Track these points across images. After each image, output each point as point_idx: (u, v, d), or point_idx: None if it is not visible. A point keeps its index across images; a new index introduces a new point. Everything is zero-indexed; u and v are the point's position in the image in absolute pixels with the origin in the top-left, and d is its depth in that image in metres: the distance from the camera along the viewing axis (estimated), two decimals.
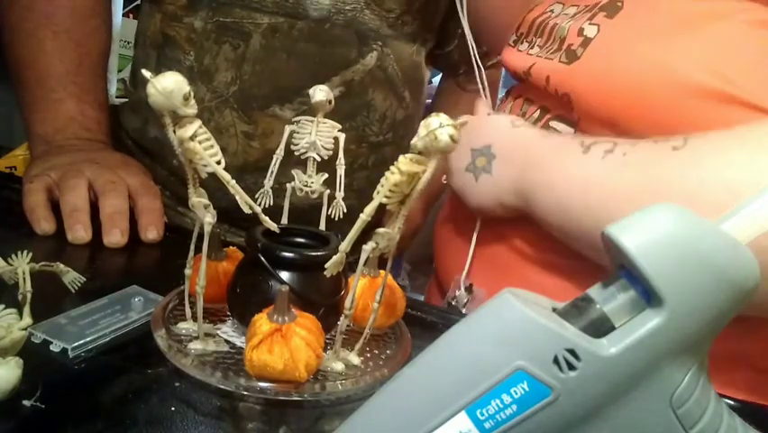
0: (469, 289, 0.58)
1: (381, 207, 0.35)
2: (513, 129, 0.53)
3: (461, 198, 0.57)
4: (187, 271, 0.40)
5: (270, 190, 0.48)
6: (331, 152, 0.47)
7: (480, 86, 0.61)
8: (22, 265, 0.40)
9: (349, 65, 0.72)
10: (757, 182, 0.39)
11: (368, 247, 0.37)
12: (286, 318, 0.36)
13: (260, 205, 0.45)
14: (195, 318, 0.40)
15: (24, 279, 0.39)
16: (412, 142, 0.32)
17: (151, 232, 0.59)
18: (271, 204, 0.47)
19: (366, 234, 0.36)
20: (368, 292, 0.43)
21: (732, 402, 0.43)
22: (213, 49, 0.70)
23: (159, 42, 0.74)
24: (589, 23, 0.51)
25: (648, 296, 0.23)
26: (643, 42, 0.47)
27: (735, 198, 0.38)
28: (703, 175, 0.41)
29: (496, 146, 0.53)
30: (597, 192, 0.46)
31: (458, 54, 0.90)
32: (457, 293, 0.59)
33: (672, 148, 0.43)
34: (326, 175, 0.48)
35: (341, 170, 0.48)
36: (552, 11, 0.59)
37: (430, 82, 0.94)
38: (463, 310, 0.58)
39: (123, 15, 1.57)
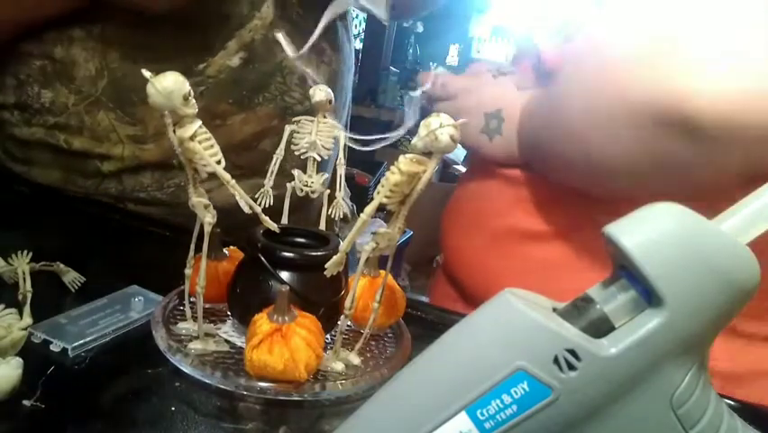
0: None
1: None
2: (519, 92, 0.57)
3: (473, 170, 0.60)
4: (187, 271, 0.40)
5: (270, 190, 0.48)
6: (331, 152, 0.47)
7: None
8: (22, 265, 0.40)
9: (243, 23, 0.58)
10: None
11: (368, 247, 0.37)
12: (286, 318, 0.36)
13: (259, 205, 0.45)
14: (195, 318, 0.40)
15: (24, 279, 0.39)
16: (412, 142, 0.32)
17: None
18: (271, 204, 0.47)
19: None
20: (368, 292, 0.43)
21: (732, 402, 0.43)
22: (61, 37, 0.55)
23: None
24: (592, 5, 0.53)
25: (648, 296, 0.23)
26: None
27: None
28: None
29: (505, 111, 0.57)
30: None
31: None
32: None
33: None
34: (327, 175, 0.48)
35: (341, 170, 0.48)
36: None
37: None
38: None
39: None
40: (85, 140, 0.59)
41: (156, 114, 0.32)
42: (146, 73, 0.31)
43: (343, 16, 0.71)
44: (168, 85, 0.31)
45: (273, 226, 0.40)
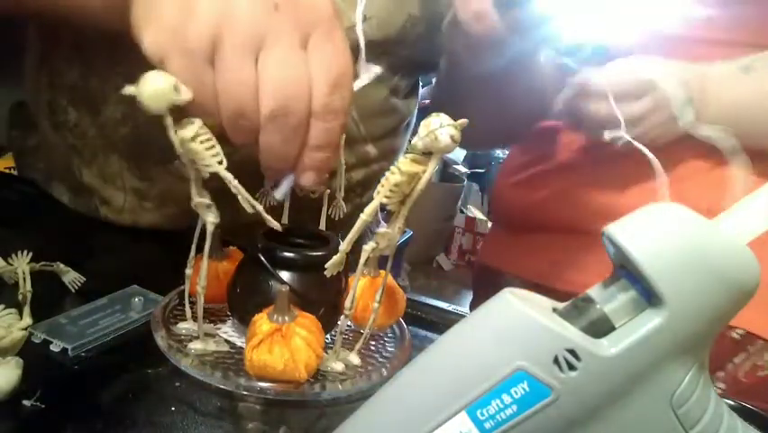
0: None
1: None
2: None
3: None
4: (188, 271, 0.40)
5: (271, 190, 0.48)
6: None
7: None
8: (22, 265, 0.40)
9: None
10: None
11: (368, 247, 0.37)
12: (286, 318, 0.36)
13: (260, 204, 0.45)
14: (195, 318, 0.40)
15: (24, 279, 0.39)
16: (413, 142, 0.33)
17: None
18: (271, 203, 0.47)
19: None
20: (368, 292, 0.43)
21: (732, 402, 0.43)
22: (103, 70, 0.52)
23: (39, 53, 0.57)
24: None
25: (648, 296, 0.23)
26: None
27: None
28: None
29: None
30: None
31: None
32: None
33: None
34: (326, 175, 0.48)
35: (341, 170, 0.48)
36: None
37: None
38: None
39: None
40: (93, 176, 0.58)
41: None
42: (128, 89, 0.31)
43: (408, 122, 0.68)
44: (150, 86, 0.31)
45: (276, 225, 0.40)
